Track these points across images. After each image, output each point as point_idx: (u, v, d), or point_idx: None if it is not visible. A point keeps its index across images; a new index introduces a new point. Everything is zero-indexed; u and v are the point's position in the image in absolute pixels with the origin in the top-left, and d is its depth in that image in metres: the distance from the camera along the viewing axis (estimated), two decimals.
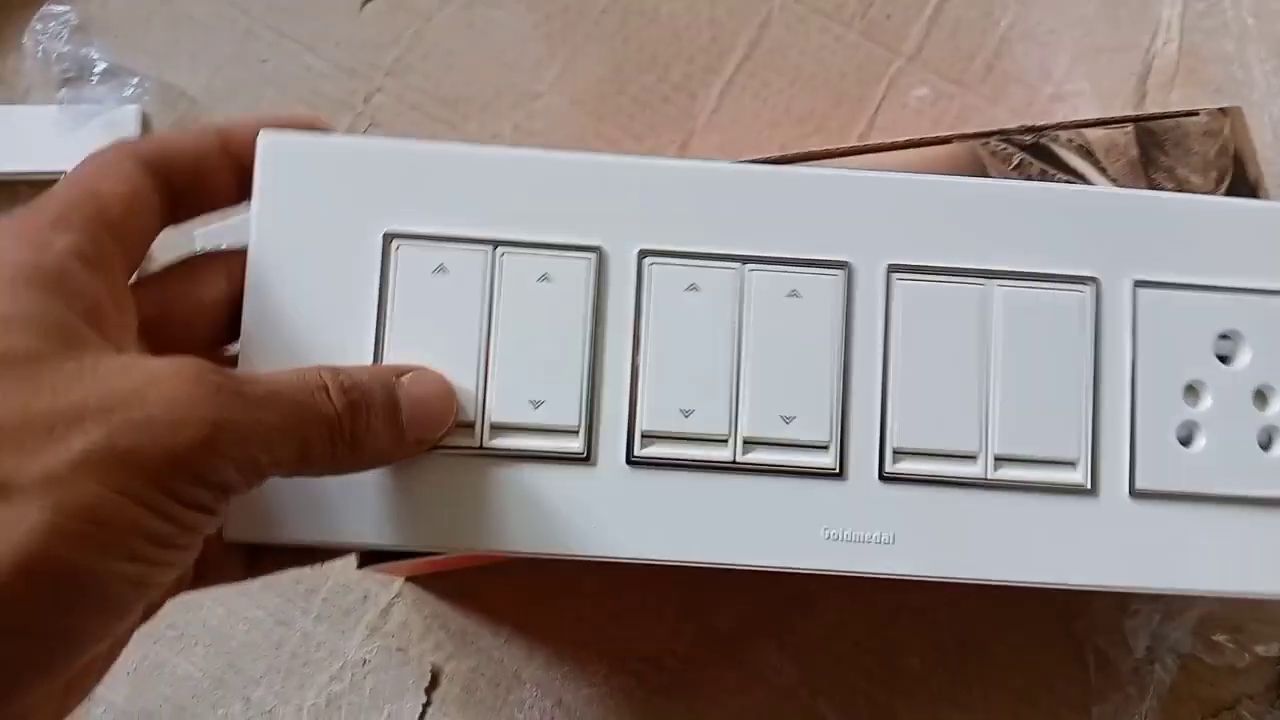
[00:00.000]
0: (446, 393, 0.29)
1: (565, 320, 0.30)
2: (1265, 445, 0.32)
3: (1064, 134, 0.41)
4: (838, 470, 0.31)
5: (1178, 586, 0.32)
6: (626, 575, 0.45)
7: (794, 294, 0.31)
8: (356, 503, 0.30)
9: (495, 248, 0.30)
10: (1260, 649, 0.45)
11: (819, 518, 0.31)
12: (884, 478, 0.31)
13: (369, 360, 0.30)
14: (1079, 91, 0.50)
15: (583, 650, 0.45)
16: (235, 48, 0.50)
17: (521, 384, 0.30)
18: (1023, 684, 0.45)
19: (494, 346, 0.30)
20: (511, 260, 0.31)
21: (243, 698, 0.45)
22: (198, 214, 0.29)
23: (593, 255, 0.31)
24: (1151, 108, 0.50)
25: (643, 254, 0.31)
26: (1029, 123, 0.41)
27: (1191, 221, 0.31)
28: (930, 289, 0.31)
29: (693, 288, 0.31)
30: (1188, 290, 0.31)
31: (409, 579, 0.46)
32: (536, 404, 0.30)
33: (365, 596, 0.45)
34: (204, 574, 0.29)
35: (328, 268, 0.30)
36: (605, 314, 0.31)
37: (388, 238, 0.30)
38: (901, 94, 0.51)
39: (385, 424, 0.27)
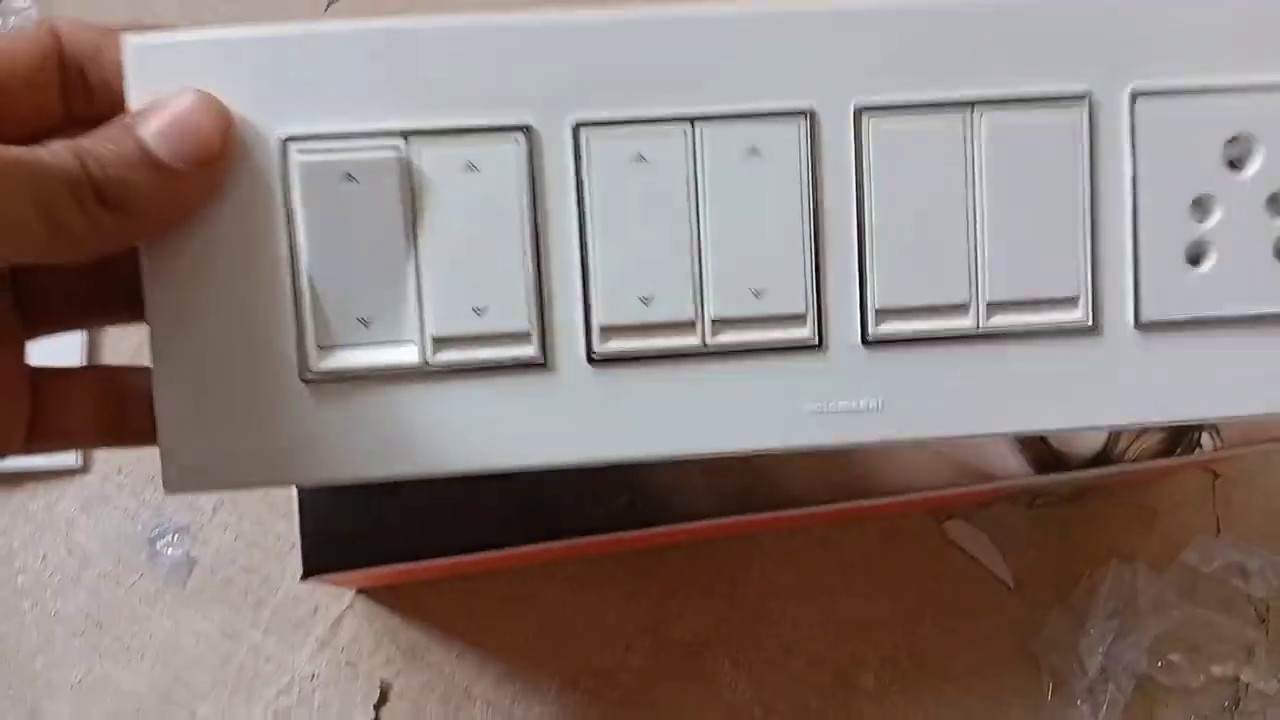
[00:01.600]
0: (201, 103, 0.26)
1: (500, 212, 0.28)
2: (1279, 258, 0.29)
3: None
4: (817, 341, 0.28)
5: (1192, 417, 0.30)
6: (584, 583, 0.44)
7: (753, 151, 0.28)
8: (301, 440, 0.28)
9: (407, 139, 0.27)
10: (1216, 669, 0.45)
11: (801, 392, 0.29)
12: (868, 342, 0.28)
13: (288, 297, 0.28)
14: None
15: (536, 665, 0.44)
16: None
17: (459, 291, 0.28)
18: (978, 703, 0.45)
19: (423, 253, 0.28)
20: (429, 152, 0.27)
21: (189, 712, 0.44)
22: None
23: (521, 135, 0.27)
24: None
25: (578, 126, 0.28)
26: None
27: (1189, 13, 0.28)
28: (904, 128, 0.28)
29: (639, 158, 0.28)
30: (1191, 95, 0.28)
31: (360, 591, 0.45)
32: (480, 311, 0.28)
33: (316, 609, 0.45)
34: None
35: (225, 188, 0.27)
36: (544, 199, 0.28)
37: (284, 142, 0.27)
38: None
39: (138, 162, 0.24)
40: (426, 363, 0.28)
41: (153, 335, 0.27)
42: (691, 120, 0.28)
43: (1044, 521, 0.45)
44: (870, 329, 0.28)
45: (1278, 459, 0.46)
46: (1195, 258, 0.29)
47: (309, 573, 0.37)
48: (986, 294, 0.29)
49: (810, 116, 0.28)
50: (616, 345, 0.28)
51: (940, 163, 0.28)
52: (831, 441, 0.29)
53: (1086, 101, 0.28)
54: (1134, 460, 0.38)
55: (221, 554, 0.44)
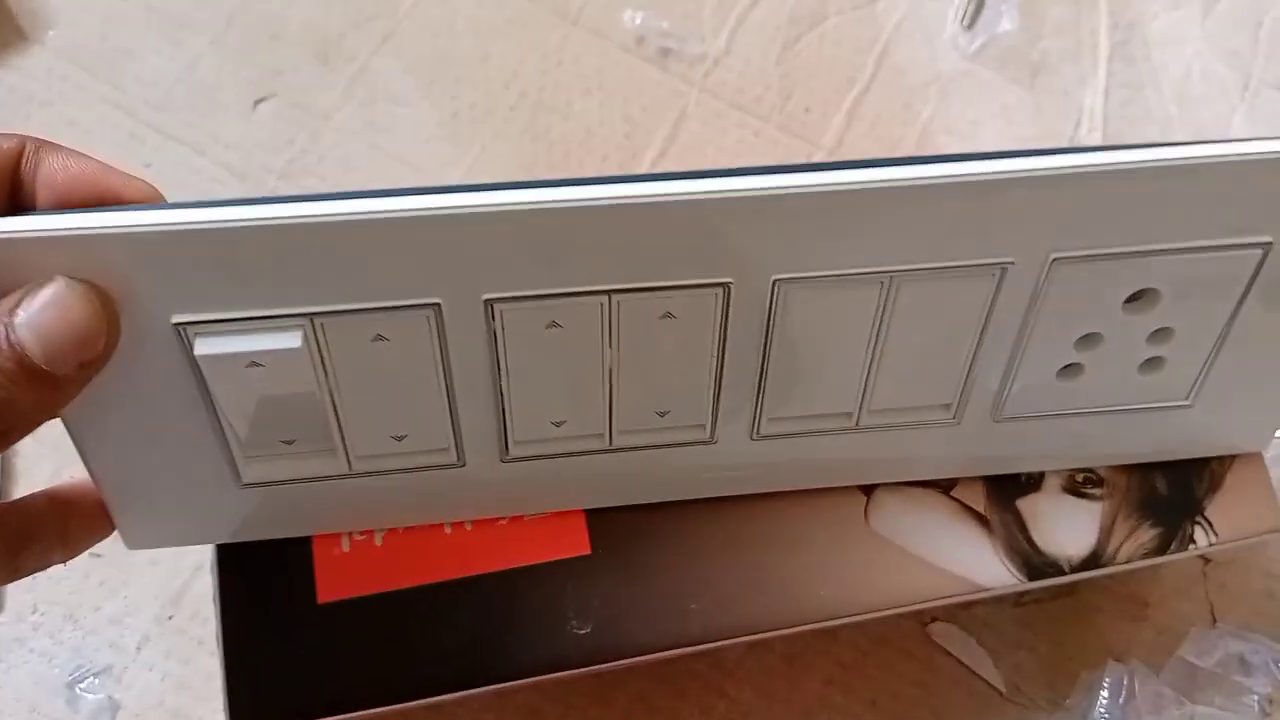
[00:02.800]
0: (82, 305, 0.25)
1: (408, 368, 0.29)
2: (1144, 369, 0.33)
3: None
4: (710, 440, 0.33)
5: (1033, 468, 0.36)
6: (541, 712, 0.41)
7: (669, 315, 0.30)
8: (236, 517, 0.33)
9: (314, 321, 0.28)
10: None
11: (700, 465, 0.34)
12: (755, 439, 0.33)
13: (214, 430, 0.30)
14: None
15: None
16: (118, 150, 0.47)
17: (379, 426, 0.31)
18: None
19: (340, 405, 0.30)
20: (337, 329, 0.28)
21: None
22: None
23: (431, 311, 0.28)
24: None
25: (490, 302, 0.29)
26: None
27: (1109, 188, 0.29)
28: (823, 297, 0.30)
29: (554, 324, 0.29)
30: (1101, 260, 0.30)
31: None
32: (399, 438, 0.31)
33: None
34: None
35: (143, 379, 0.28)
36: (461, 360, 0.30)
37: (177, 328, 0.27)
38: None
39: (18, 374, 0.24)
40: (350, 468, 0.32)
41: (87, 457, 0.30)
42: (608, 293, 0.29)
43: (1032, 620, 0.43)
44: (760, 430, 0.33)
45: (1264, 545, 0.44)
46: (1069, 375, 0.33)
47: (236, 715, 0.34)
48: (872, 403, 0.33)
49: (726, 288, 0.29)
50: (526, 450, 0.32)
51: (849, 323, 0.31)
52: (725, 492, 0.35)
53: (1006, 267, 0.30)
54: (1126, 561, 0.35)
55: (146, 696, 0.40)
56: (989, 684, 0.42)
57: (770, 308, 0.30)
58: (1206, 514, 0.36)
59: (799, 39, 0.51)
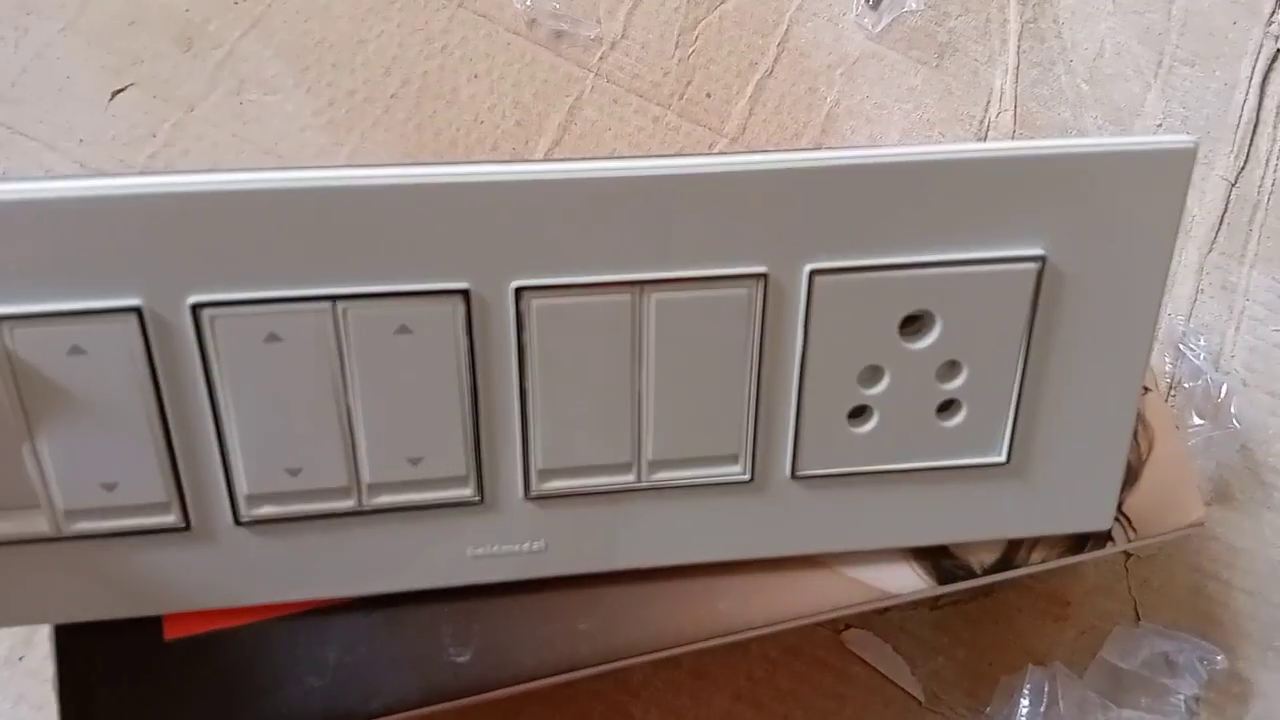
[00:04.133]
0: None
1: (116, 395, 0.26)
2: (941, 412, 0.30)
3: None
4: (478, 499, 0.29)
5: (839, 549, 0.32)
6: None
7: (404, 330, 0.26)
8: None
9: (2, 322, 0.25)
10: None
11: (464, 540, 0.29)
12: (530, 498, 0.29)
13: None
14: None
15: None
16: None
17: (87, 471, 0.26)
18: None
19: (40, 439, 0.26)
20: (23, 335, 0.25)
21: None
22: None
23: (132, 316, 0.25)
24: None
25: (197, 307, 0.25)
26: None
27: (873, 189, 0.27)
28: (570, 305, 0.27)
29: (273, 338, 0.26)
30: (870, 273, 0.28)
31: None
32: (109, 487, 0.27)
33: None
34: None
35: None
36: (174, 380, 0.26)
37: None
38: None
39: None
40: (61, 534, 0.27)
41: None
42: (335, 298, 0.26)
43: (949, 624, 0.41)
44: (533, 486, 0.29)
45: (1188, 539, 0.42)
46: (859, 417, 0.30)
47: None
48: (649, 454, 0.29)
49: (467, 296, 0.26)
50: (266, 510, 0.28)
51: (606, 337, 0.28)
52: (494, 578, 0.30)
53: (762, 280, 0.27)
54: (1040, 562, 0.33)
55: None
56: (907, 693, 0.40)
57: (519, 324, 0.27)
58: (1124, 509, 0.34)
59: (699, 21, 0.48)
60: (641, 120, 0.47)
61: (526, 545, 0.30)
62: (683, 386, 0.28)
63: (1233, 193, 0.49)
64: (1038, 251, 0.28)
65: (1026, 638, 0.41)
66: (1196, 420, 0.43)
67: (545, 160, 0.27)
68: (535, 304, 0.27)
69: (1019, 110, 0.49)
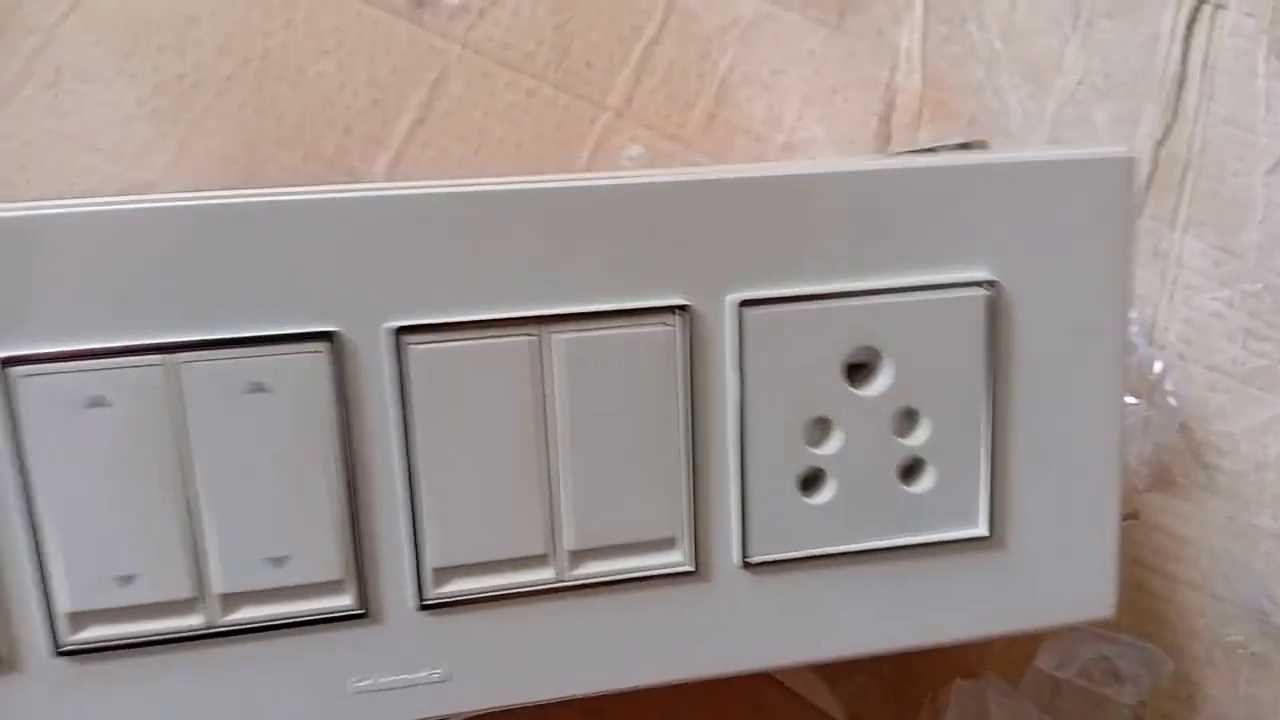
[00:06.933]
0: None
1: None
2: (907, 476, 0.26)
3: None
4: (361, 611, 0.24)
5: (812, 659, 0.27)
6: None
7: (258, 388, 0.22)
8: None
9: None
10: None
11: (345, 668, 0.24)
12: (425, 606, 0.24)
13: None
14: (813, 138, 0.43)
15: None
16: None
17: None
18: None
19: None
20: None
21: None
22: None
23: None
24: (897, 148, 0.43)
25: (3, 363, 0.21)
26: None
27: (798, 206, 0.24)
28: (459, 351, 0.23)
29: (97, 402, 0.21)
30: (805, 303, 0.24)
31: None
32: None
33: None
34: None
35: None
36: None
37: None
38: (612, 154, 0.42)
39: None
40: None
41: None
42: (172, 348, 0.21)
43: None
44: (427, 590, 0.24)
45: (1127, 530, 0.39)
46: (811, 484, 0.26)
47: None
48: (569, 542, 0.24)
49: (336, 341, 0.22)
50: (93, 633, 0.22)
51: (505, 392, 0.23)
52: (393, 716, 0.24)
53: (685, 315, 0.24)
54: None
55: None
56: (826, 714, 0.36)
57: (399, 377, 0.22)
58: None
59: None
60: (515, 94, 0.42)
61: (424, 674, 0.24)
62: (602, 452, 0.24)
63: (1161, 152, 0.46)
64: (985, 275, 0.25)
65: (952, 651, 0.37)
66: (1131, 400, 0.39)
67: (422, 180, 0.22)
68: (416, 349, 0.22)
69: (928, 72, 0.45)
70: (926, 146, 0.35)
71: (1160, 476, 0.40)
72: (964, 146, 0.42)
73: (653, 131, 0.43)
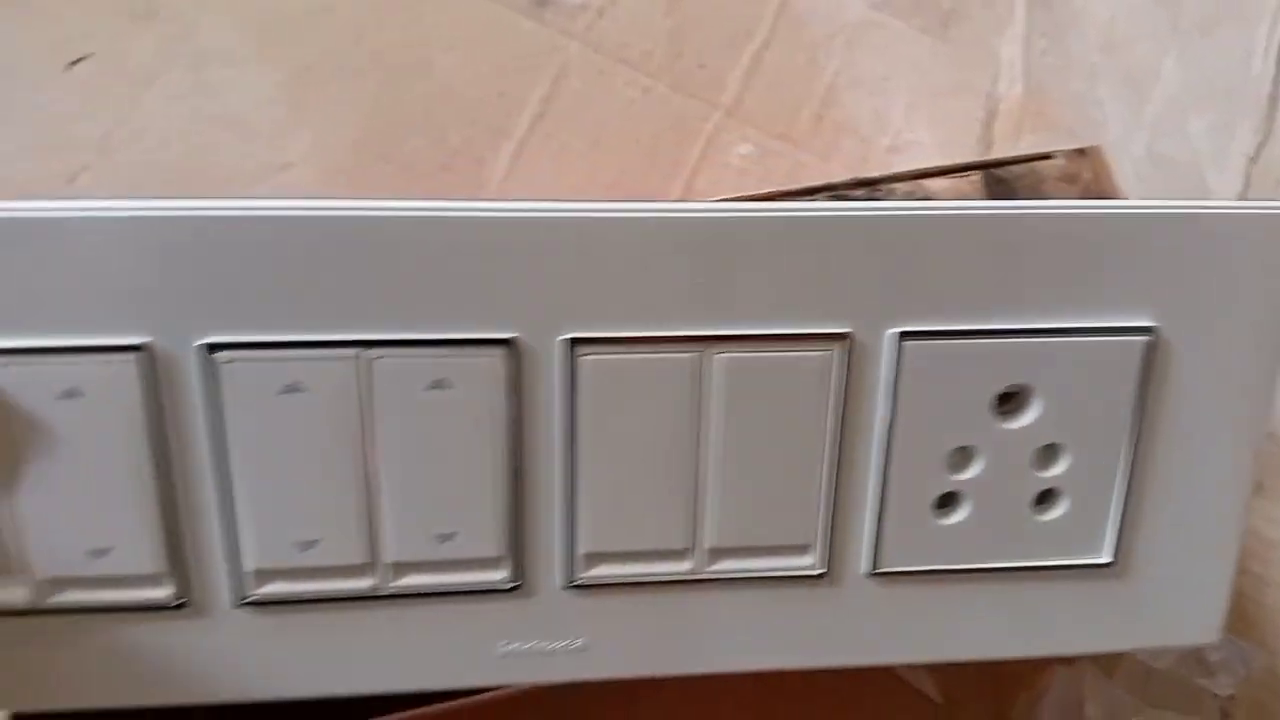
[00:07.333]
0: None
1: (113, 446, 0.23)
2: (1039, 504, 0.27)
3: (901, 186, 0.35)
4: (514, 585, 0.25)
5: (929, 659, 0.29)
6: None
7: (441, 384, 0.24)
8: None
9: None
10: None
11: (494, 633, 0.26)
12: (572, 585, 0.26)
13: None
14: (918, 141, 0.44)
15: None
16: None
17: (74, 533, 0.23)
18: None
19: (19, 495, 0.23)
20: (17, 374, 0.22)
21: None
22: None
23: (134, 356, 0.22)
24: (999, 155, 0.44)
25: (211, 349, 0.23)
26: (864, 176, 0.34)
27: (967, 245, 0.24)
28: (626, 364, 0.24)
29: (293, 388, 0.23)
30: (966, 339, 0.25)
31: None
32: (100, 553, 0.23)
33: None
34: None
35: None
36: (177, 432, 0.23)
37: None
38: (722, 152, 0.44)
39: None
40: (42, 606, 0.24)
41: None
42: (365, 344, 0.23)
43: None
44: (576, 572, 0.26)
45: None
46: (946, 507, 0.26)
47: None
48: (708, 540, 0.26)
49: (515, 347, 0.24)
50: (273, 589, 0.25)
51: (665, 402, 0.24)
52: (524, 680, 0.27)
53: (846, 341, 0.24)
54: None
55: None
56: (923, 694, 0.37)
57: (569, 383, 0.24)
58: None
59: None
60: (631, 92, 0.44)
61: (564, 643, 0.26)
62: (749, 462, 0.25)
63: (1252, 169, 0.46)
64: (1147, 322, 0.25)
65: None
66: None
67: (606, 200, 0.24)
68: (587, 360, 0.24)
69: (1030, 82, 0.46)
70: (997, 159, 0.36)
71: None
72: (1033, 159, 0.43)
73: (762, 131, 0.44)
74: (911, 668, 0.38)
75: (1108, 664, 0.38)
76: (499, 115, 0.43)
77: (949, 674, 0.38)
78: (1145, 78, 0.47)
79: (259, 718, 0.27)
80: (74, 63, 0.42)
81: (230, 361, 0.22)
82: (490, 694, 0.29)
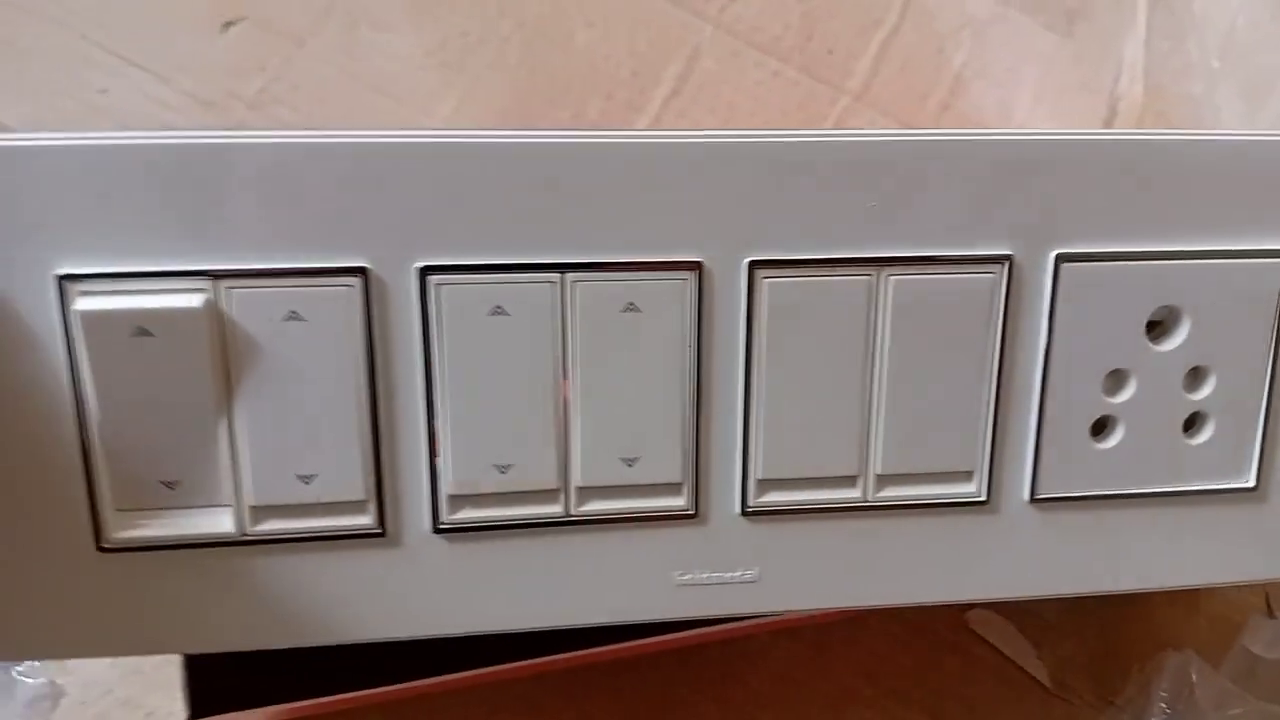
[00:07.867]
0: None
1: (330, 367, 0.24)
2: (1189, 429, 0.27)
3: None
4: (692, 512, 0.26)
5: (1088, 590, 0.28)
6: (539, 708, 0.37)
7: (632, 307, 0.24)
8: (99, 613, 0.24)
9: (216, 282, 0.23)
10: None
11: (671, 562, 0.26)
12: (747, 512, 0.26)
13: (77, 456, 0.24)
14: None
15: None
16: (67, 77, 0.42)
17: (282, 457, 0.24)
18: None
19: (238, 413, 0.24)
20: (243, 298, 0.23)
21: None
22: None
23: (356, 280, 0.23)
24: None
25: (425, 271, 0.24)
26: None
27: (1125, 169, 0.25)
28: (803, 287, 0.25)
29: (498, 311, 0.24)
30: (1119, 261, 0.26)
31: None
32: (307, 479, 0.24)
33: None
34: None
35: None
36: (383, 353, 0.24)
37: (60, 281, 0.23)
38: None
39: None
40: (246, 534, 0.24)
41: None
42: (564, 268, 0.24)
43: (1078, 606, 0.39)
44: (750, 498, 0.26)
45: None
46: (1102, 430, 0.27)
47: (195, 715, 0.29)
48: (878, 466, 0.26)
49: (700, 271, 0.24)
50: (467, 514, 0.25)
51: (840, 327, 0.25)
52: (699, 613, 0.27)
53: (1007, 264, 0.25)
54: None
55: (93, 684, 0.35)
56: (1032, 677, 0.38)
57: (748, 307, 0.25)
58: None
59: None
60: (761, 74, 0.45)
61: (738, 573, 0.27)
62: (916, 388, 0.26)
63: None
64: None
65: (1158, 625, 0.39)
66: None
67: (786, 128, 0.25)
68: (767, 282, 0.25)
69: (1149, 83, 0.47)
70: None
71: None
72: None
73: (888, 118, 0.45)
74: (1022, 651, 0.39)
75: (1209, 654, 0.39)
76: (635, 91, 0.44)
77: (1058, 659, 0.39)
78: (1261, 86, 0.47)
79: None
80: (228, 24, 0.43)
81: (444, 284, 0.23)
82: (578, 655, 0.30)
